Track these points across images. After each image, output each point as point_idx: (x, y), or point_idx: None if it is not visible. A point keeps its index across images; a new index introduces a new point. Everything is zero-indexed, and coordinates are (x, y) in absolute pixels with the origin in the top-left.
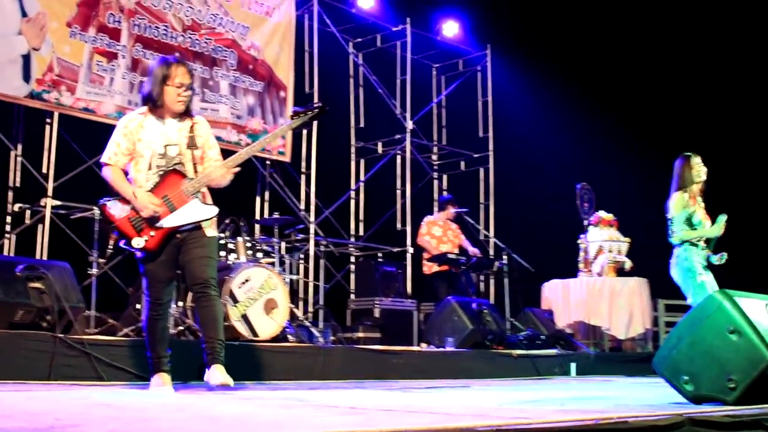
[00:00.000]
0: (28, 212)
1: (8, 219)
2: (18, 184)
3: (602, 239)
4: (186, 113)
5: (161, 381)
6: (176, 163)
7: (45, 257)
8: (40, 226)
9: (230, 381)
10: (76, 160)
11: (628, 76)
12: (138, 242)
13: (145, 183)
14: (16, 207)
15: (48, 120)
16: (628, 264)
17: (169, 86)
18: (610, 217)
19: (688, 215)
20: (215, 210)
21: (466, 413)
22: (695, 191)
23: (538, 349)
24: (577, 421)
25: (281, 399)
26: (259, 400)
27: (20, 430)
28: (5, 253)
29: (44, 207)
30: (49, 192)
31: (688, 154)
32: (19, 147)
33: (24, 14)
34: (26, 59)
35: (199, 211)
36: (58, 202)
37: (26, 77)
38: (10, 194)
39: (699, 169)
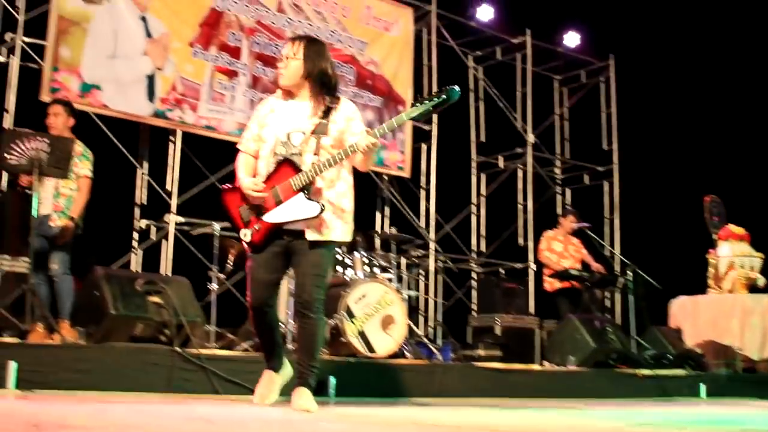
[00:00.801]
0: (153, 228)
1: (135, 235)
2: (144, 201)
3: (733, 254)
4: (322, 95)
5: (267, 378)
6: (294, 153)
7: (169, 272)
8: (164, 242)
9: (311, 407)
10: (198, 176)
11: (762, 83)
12: (245, 234)
13: (263, 171)
14: (143, 223)
15: (171, 138)
16: (761, 281)
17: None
18: (741, 231)
19: None
20: (316, 208)
21: None
22: None
23: (665, 369)
24: None
25: (385, 416)
26: (363, 417)
27: None
28: (132, 267)
29: (168, 223)
30: (173, 208)
31: None
32: (145, 165)
33: (149, 35)
34: (150, 79)
35: (301, 209)
36: (181, 219)
37: (150, 97)
38: (137, 211)
39: None
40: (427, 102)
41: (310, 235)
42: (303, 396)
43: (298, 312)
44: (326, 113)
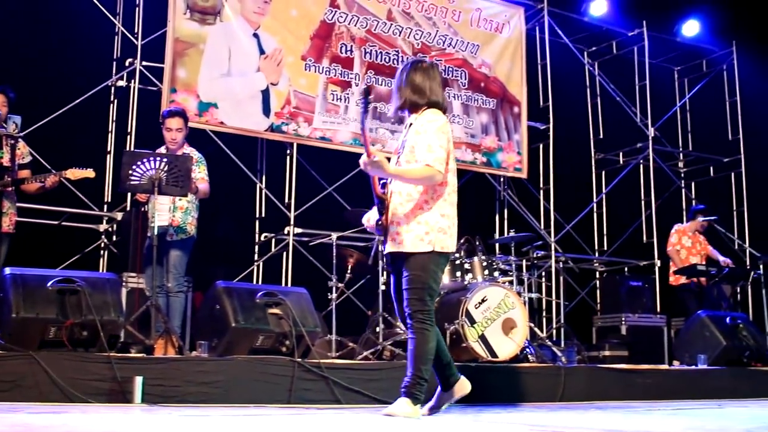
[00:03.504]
0: (273, 241)
1: (256, 248)
2: (263, 215)
3: None
4: (409, 110)
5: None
6: None
7: (289, 283)
8: (284, 254)
9: (397, 412)
10: (315, 188)
11: None
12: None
13: None
14: (263, 237)
15: (288, 151)
16: None
17: None
18: None
19: None
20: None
21: None
22: None
23: None
24: None
25: (506, 423)
26: (485, 425)
27: None
28: (254, 280)
29: (287, 235)
30: (291, 221)
31: None
32: (263, 179)
33: (262, 52)
34: (265, 94)
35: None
36: (300, 230)
37: (266, 111)
38: (257, 225)
39: None
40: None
41: (401, 247)
42: (396, 403)
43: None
44: (409, 129)
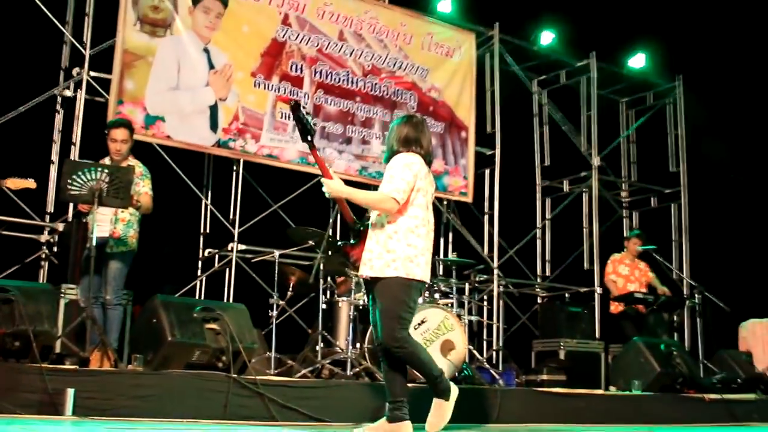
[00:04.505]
0: (216, 257)
1: (199, 264)
2: (208, 231)
3: None
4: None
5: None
6: None
7: (231, 299)
8: (227, 270)
9: (444, 416)
10: (260, 205)
11: None
12: None
13: None
14: (206, 252)
15: (234, 168)
16: None
17: None
18: None
19: None
20: None
21: None
22: None
23: (734, 393)
24: None
25: None
26: None
27: None
28: (196, 295)
29: (231, 251)
30: (236, 237)
31: None
32: (209, 195)
33: (211, 66)
34: (213, 110)
35: None
36: (244, 246)
37: (213, 127)
38: (201, 240)
39: None
40: None
41: (369, 272)
42: (432, 408)
43: None
44: None
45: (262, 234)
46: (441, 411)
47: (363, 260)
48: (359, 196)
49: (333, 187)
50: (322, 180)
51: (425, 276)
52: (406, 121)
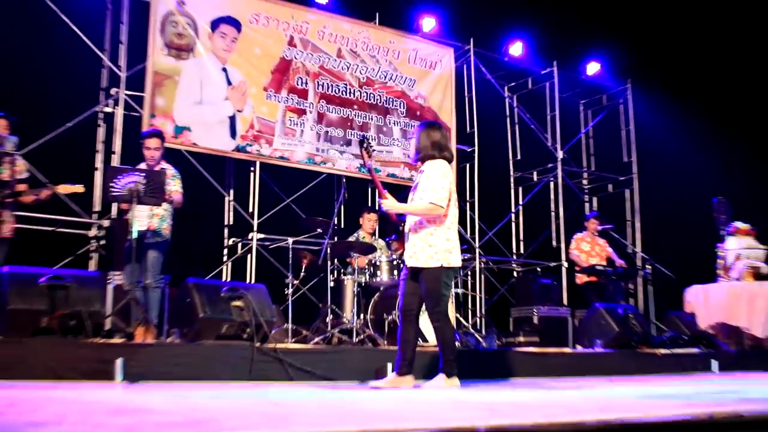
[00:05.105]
0: (239, 245)
1: (225, 251)
2: (231, 222)
3: (740, 247)
4: (423, 159)
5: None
6: None
7: (253, 280)
8: (249, 256)
9: (433, 385)
10: (275, 200)
11: (760, 97)
12: None
13: None
14: (230, 241)
15: (252, 168)
16: (765, 269)
17: None
18: (746, 226)
19: None
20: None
21: (589, 407)
22: None
23: (681, 348)
24: (690, 415)
25: (439, 397)
26: (414, 398)
27: (174, 425)
28: (223, 278)
29: (251, 240)
30: (255, 227)
31: None
32: (231, 192)
33: (229, 83)
34: (232, 120)
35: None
36: (262, 235)
37: (233, 134)
38: (226, 231)
39: None
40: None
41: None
42: (434, 378)
43: None
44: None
45: (278, 224)
46: (439, 382)
47: (408, 253)
48: (411, 208)
49: (389, 205)
50: (381, 201)
51: (459, 262)
52: (434, 127)
